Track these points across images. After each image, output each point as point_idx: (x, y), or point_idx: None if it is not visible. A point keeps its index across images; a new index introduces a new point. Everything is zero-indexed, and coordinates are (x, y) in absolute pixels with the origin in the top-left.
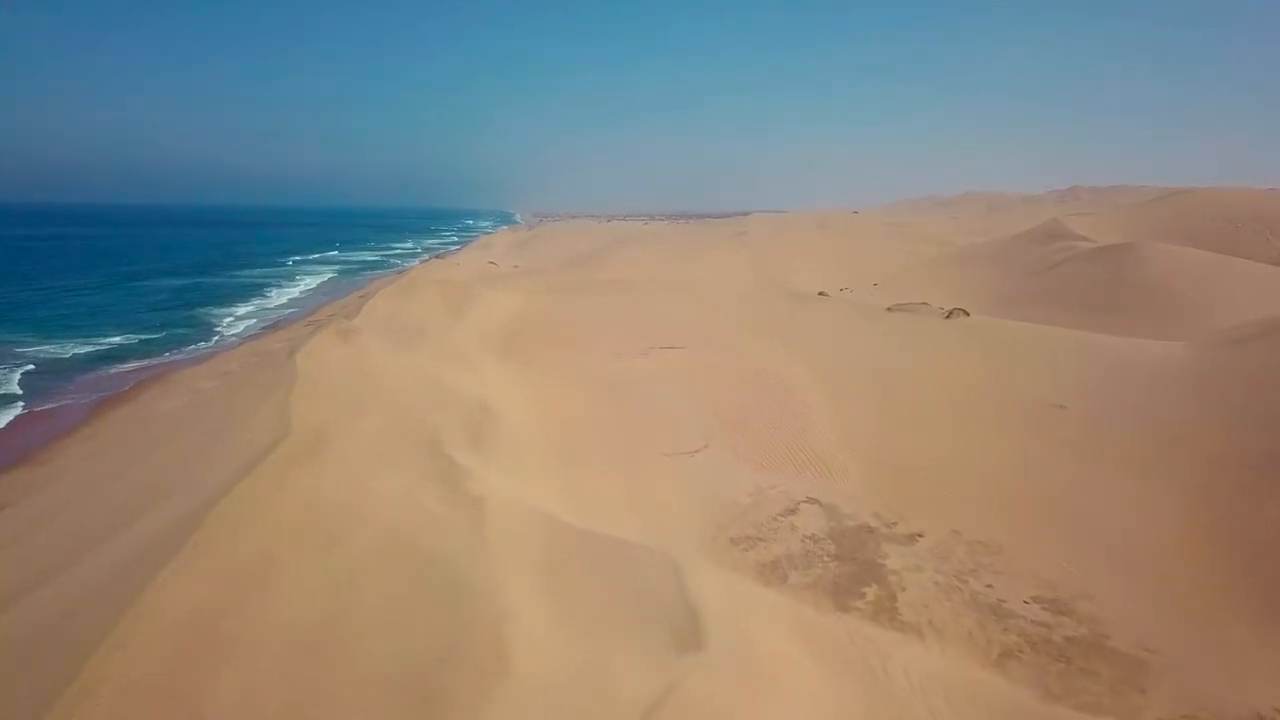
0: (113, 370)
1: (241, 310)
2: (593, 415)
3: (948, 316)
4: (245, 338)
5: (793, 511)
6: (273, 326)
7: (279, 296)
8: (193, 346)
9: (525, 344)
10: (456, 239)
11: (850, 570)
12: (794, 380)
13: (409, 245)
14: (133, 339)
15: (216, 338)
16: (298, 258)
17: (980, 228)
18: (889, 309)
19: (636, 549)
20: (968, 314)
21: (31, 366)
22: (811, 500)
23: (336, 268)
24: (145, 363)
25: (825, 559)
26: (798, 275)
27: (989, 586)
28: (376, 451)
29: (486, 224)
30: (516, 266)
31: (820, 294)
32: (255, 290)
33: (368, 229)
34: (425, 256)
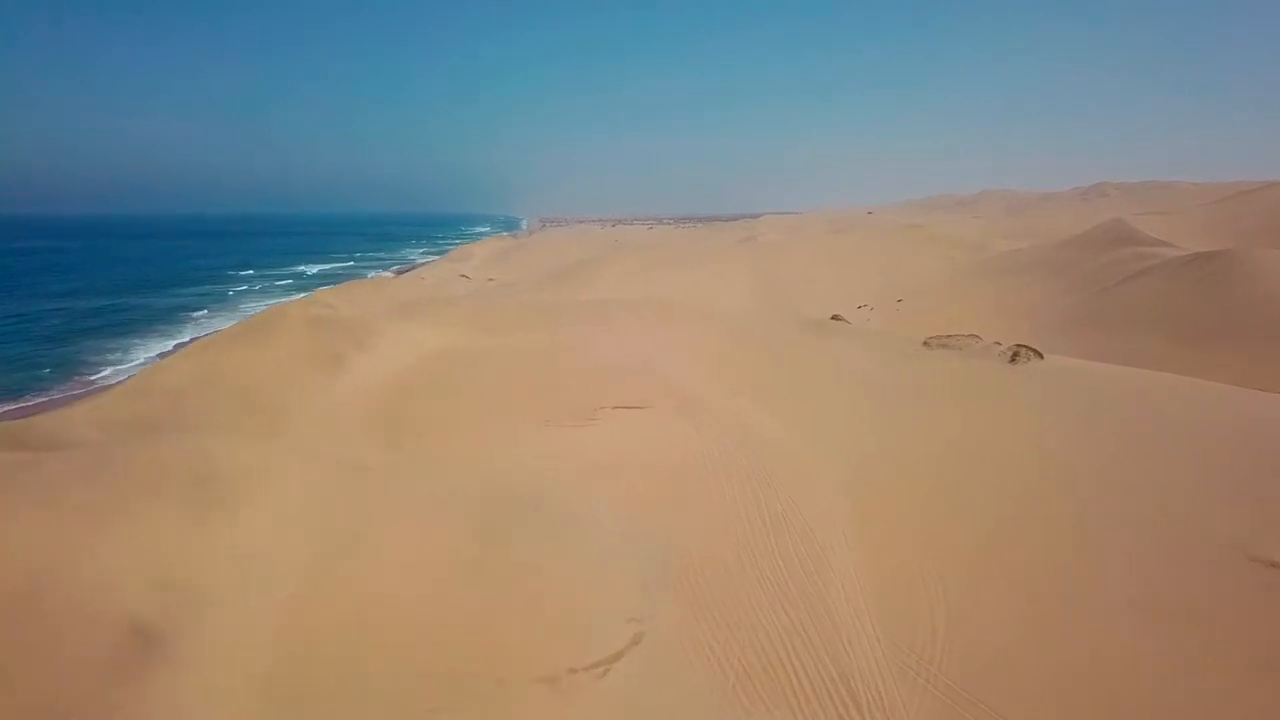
0: None
1: (157, 345)
2: (440, 589)
3: (1012, 359)
4: (129, 375)
5: None
6: (153, 369)
7: (230, 318)
8: (46, 397)
9: (414, 414)
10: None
11: None
12: (800, 482)
13: (420, 251)
14: None
15: (94, 384)
16: (302, 267)
17: (1012, 229)
18: (926, 343)
19: None
20: (1040, 355)
21: None
22: None
23: (327, 279)
24: None
25: None
26: (810, 288)
27: None
28: None
29: (485, 229)
30: (491, 280)
31: (834, 318)
32: (210, 308)
33: (379, 238)
34: (433, 261)
